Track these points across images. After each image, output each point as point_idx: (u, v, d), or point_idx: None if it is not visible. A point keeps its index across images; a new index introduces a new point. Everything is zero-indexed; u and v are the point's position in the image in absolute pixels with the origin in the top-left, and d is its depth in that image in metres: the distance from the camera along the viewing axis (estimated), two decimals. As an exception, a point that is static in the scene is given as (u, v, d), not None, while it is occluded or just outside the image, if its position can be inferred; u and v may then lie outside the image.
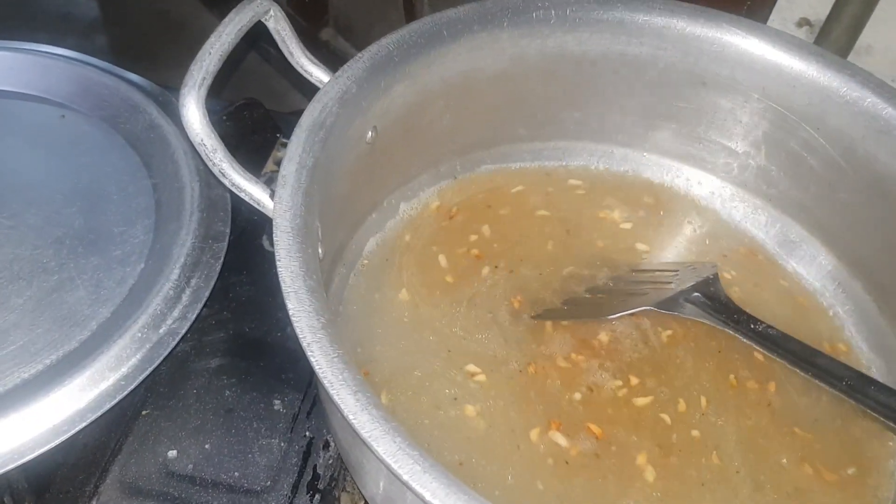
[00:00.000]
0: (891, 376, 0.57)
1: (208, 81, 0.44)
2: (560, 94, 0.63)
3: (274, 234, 0.41)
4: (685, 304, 0.57)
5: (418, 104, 0.56)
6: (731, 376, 0.55)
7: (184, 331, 0.55)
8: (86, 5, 1.56)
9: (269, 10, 0.49)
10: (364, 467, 0.44)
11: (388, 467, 0.33)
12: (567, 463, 0.49)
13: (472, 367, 0.53)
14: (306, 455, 0.54)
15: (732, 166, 0.65)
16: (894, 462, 0.53)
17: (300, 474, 0.53)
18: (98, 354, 0.51)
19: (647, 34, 0.58)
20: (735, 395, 0.54)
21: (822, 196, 0.60)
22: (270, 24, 0.50)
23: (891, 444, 0.53)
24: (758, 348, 0.55)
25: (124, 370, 0.52)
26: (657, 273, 0.60)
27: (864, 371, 0.55)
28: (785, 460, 0.51)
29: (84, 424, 0.49)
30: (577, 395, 0.52)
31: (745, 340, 0.55)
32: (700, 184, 0.67)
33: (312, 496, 0.53)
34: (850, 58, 0.70)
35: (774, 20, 0.74)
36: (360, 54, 0.51)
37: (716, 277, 0.59)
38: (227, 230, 0.61)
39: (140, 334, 0.53)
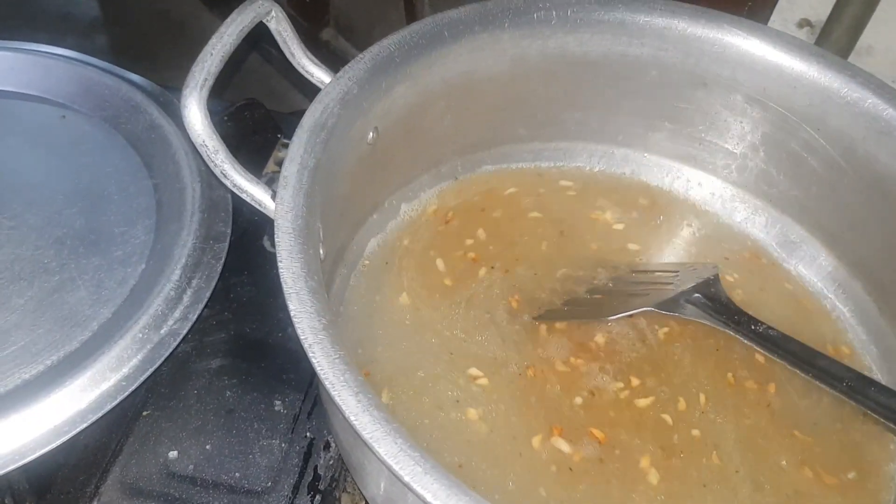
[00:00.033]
0: (892, 377, 0.57)
1: (210, 83, 0.45)
2: (561, 95, 0.63)
3: (275, 235, 0.41)
4: (686, 304, 0.57)
5: (419, 105, 0.56)
6: (729, 374, 0.55)
7: (185, 331, 0.55)
8: (86, 5, 1.56)
9: (271, 10, 0.49)
10: (365, 468, 0.44)
11: (389, 468, 0.33)
12: (571, 469, 0.49)
13: (474, 371, 0.53)
14: (307, 456, 0.54)
15: (733, 167, 0.65)
16: (894, 466, 0.53)
17: (301, 475, 0.53)
18: (99, 355, 0.51)
19: (649, 35, 0.59)
20: (733, 394, 0.54)
21: (823, 197, 0.60)
22: (272, 25, 0.50)
23: (891, 447, 0.53)
24: (758, 349, 0.55)
25: (125, 371, 0.52)
26: (657, 274, 0.60)
27: (865, 373, 0.55)
28: (784, 462, 0.51)
29: (85, 425, 0.49)
30: (579, 400, 0.52)
31: (745, 342, 0.55)
32: (700, 185, 0.67)
33: (313, 497, 0.53)
34: (851, 59, 0.70)
35: (775, 21, 0.74)
36: (361, 55, 0.51)
37: (716, 278, 0.59)
38: (229, 231, 0.61)
39: (141, 335, 0.53)
